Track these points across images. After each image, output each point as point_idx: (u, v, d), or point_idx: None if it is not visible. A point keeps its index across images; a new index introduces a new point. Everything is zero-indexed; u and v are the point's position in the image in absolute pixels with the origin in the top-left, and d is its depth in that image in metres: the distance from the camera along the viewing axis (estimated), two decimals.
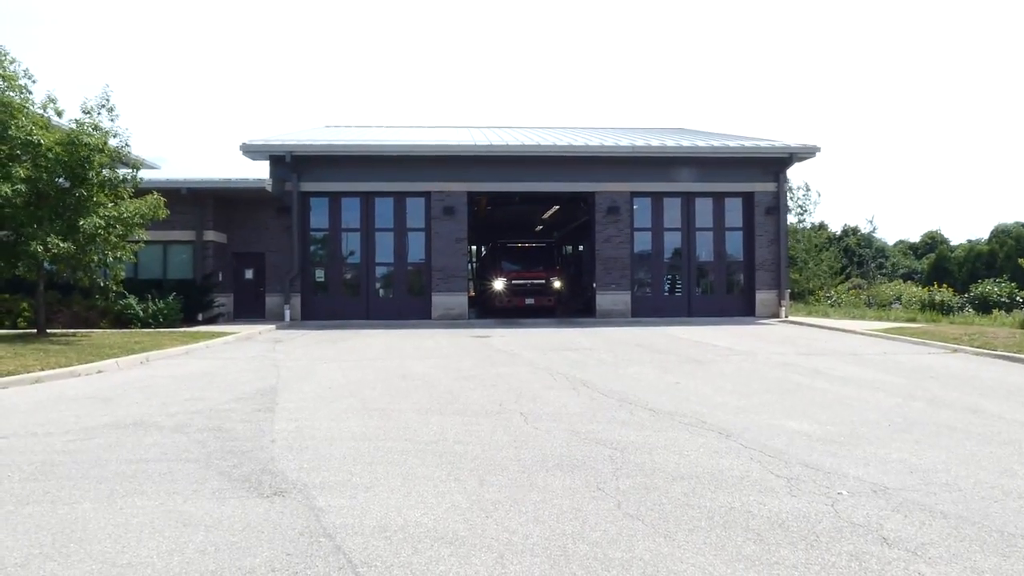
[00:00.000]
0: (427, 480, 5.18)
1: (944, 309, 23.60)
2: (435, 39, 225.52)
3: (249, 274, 23.10)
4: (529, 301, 25.33)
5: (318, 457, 5.83)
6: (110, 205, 15.40)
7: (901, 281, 42.64)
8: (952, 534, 4.08)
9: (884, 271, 53.31)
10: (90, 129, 15.23)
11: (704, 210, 24.52)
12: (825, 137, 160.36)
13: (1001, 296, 24.98)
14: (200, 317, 20.49)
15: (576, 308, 27.82)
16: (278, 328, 19.98)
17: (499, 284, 25.61)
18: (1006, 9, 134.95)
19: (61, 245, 14.43)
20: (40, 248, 14.26)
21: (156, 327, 18.55)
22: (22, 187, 14.19)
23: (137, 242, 16.42)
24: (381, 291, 24.08)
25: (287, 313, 22.15)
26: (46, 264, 15.70)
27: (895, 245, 73.74)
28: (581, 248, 32.64)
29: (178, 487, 5.04)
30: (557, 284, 26.31)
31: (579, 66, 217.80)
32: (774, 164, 24.01)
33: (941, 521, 4.29)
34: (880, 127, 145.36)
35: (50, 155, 14.62)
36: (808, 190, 39.52)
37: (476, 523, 4.28)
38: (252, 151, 22.51)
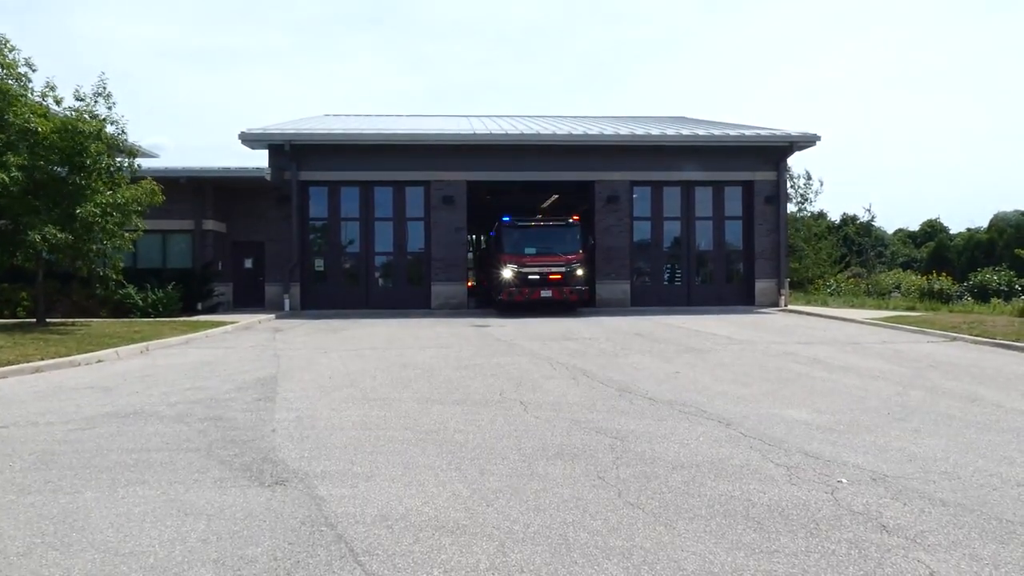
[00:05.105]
0: (428, 469, 5.20)
1: (943, 297, 23.61)
2: (436, 29, 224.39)
3: (248, 263, 23.08)
4: (545, 294, 20.90)
5: (319, 446, 5.85)
6: (108, 193, 15.36)
7: (900, 270, 42.68)
8: (951, 522, 4.10)
9: (883, 260, 53.29)
10: (86, 116, 15.18)
11: (704, 199, 24.45)
12: (824, 126, 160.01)
13: (1000, 284, 25.01)
14: (200, 306, 20.48)
15: None
16: (278, 317, 19.99)
17: (507, 272, 21.05)
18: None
19: (59, 235, 14.40)
20: (38, 238, 14.23)
21: (156, 316, 18.54)
22: (19, 175, 14.15)
23: (135, 231, 16.39)
24: (380, 280, 24.07)
25: (287, 302, 22.14)
26: (45, 253, 15.68)
27: (894, 234, 73.76)
28: None
29: (179, 476, 5.05)
30: (580, 272, 21.38)
31: (580, 56, 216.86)
32: (774, 153, 23.94)
33: (940, 509, 4.31)
34: (879, 116, 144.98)
35: (47, 143, 14.58)
36: (809, 179, 39.41)
37: (477, 512, 4.30)
38: (251, 140, 22.45)
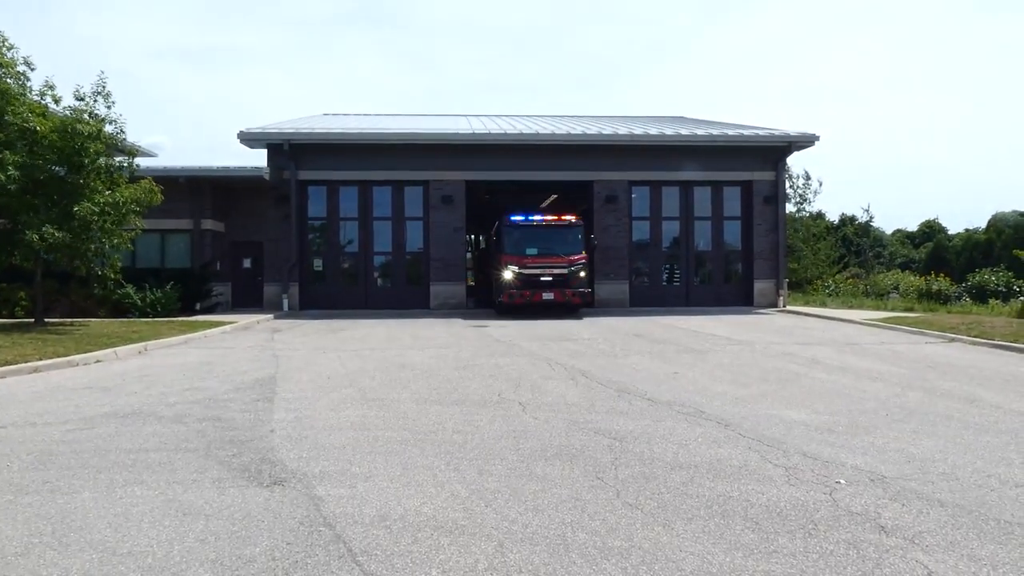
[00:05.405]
0: (426, 470, 5.20)
1: (941, 298, 23.64)
2: (436, 29, 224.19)
3: (247, 263, 23.08)
4: (547, 296, 20.01)
5: (317, 447, 5.84)
6: (106, 192, 15.36)
7: (899, 270, 42.70)
8: (949, 522, 4.10)
9: (882, 260, 53.39)
10: (85, 116, 15.18)
11: (703, 199, 24.48)
12: (823, 126, 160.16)
13: (998, 285, 25.02)
14: (198, 306, 20.48)
15: None
16: (276, 317, 19.98)
17: (508, 274, 20.19)
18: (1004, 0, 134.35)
19: (56, 235, 14.39)
20: (36, 237, 14.22)
21: (154, 316, 18.53)
22: (16, 174, 14.15)
23: (132, 230, 16.38)
24: (379, 280, 24.07)
25: (285, 302, 22.13)
26: (43, 253, 15.67)
27: (893, 234, 73.82)
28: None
29: (178, 476, 5.05)
30: (583, 274, 20.69)
31: (580, 56, 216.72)
32: (773, 153, 23.97)
33: (938, 510, 4.31)
34: (878, 116, 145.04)
35: (45, 142, 14.58)
36: (808, 179, 39.43)
37: (476, 512, 4.30)
38: (250, 139, 22.44)
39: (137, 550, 3.76)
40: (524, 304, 20.06)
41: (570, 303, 20.37)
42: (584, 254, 20.95)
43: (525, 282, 20.11)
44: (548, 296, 20.02)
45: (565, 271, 20.31)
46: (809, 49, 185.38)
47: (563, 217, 21.72)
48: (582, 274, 20.60)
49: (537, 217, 21.72)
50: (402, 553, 3.70)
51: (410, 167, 23.17)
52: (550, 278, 20.17)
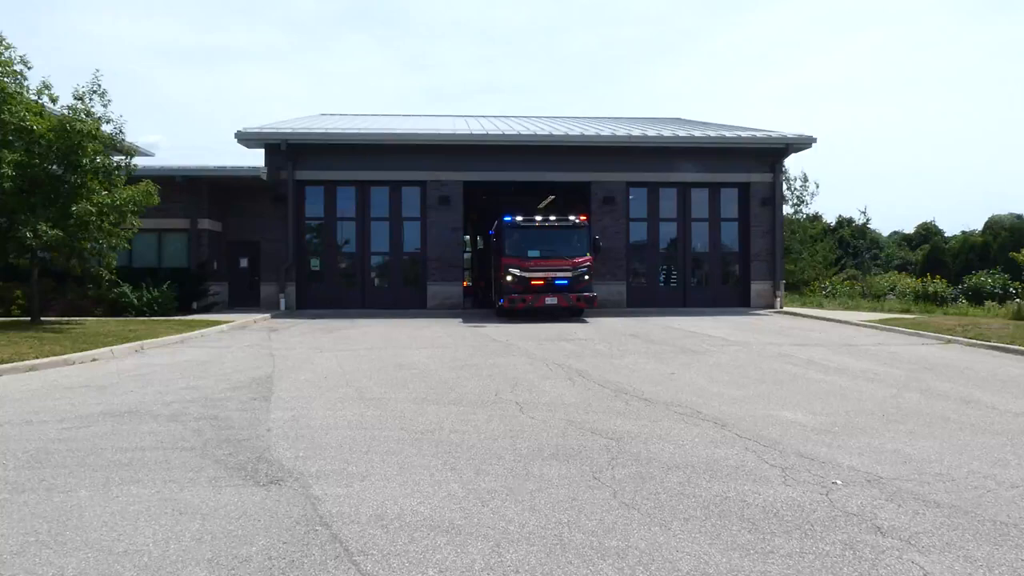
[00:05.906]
0: (423, 469, 5.19)
1: (938, 300, 23.67)
2: (434, 29, 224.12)
3: (244, 263, 23.05)
4: (550, 300, 19.06)
5: (314, 446, 5.84)
6: (104, 192, 15.35)
7: (895, 272, 42.77)
8: (945, 523, 4.11)
9: (879, 262, 53.48)
10: (83, 115, 15.16)
11: (700, 200, 24.53)
12: (821, 128, 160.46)
13: (994, 287, 25.03)
14: (195, 306, 20.44)
15: None
16: (273, 317, 19.95)
17: (508, 277, 19.34)
18: (1000, 2, 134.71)
19: (50, 232, 14.36)
20: (29, 234, 14.19)
21: (151, 315, 18.51)
22: (10, 172, 14.13)
23: (130, 229, 16.35)
24: (376, 280, 24.06)
25: (282, 302, 22.12)
26: (39, 252, 15.64)
27: (890, 236, 73.97)
28: None
29: (174, 475, 5.04)
30: (588, 277, 19.79)
31: (578, 56, 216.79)
32: (770, 155, 24.02)
33: (934, 510, 4.32)
34: (875, 118, 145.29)
35: (43, 141, 14.56)
36: (806, 181, 39.48)
37: (472, 512, 4.29)
38: (247, 139, 22.43)
39: (133, 549, 3.75)
40: (526, 309, 19.15)
41: (574, 308, 19.64)
42: (588, 256, 20.04)
43: (527, 286, 19.22)
44: (551, 300, 19.14)
45: (569, 274, 19.44)
46: (807, 51, 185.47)
47: (566, 218, 20.53)
48: (587, 277, 19.76)
49: (539, 218, 20.61)
50: (399, 553, 3.69)
51: (408, 167, 23.18)
52: (553, 282, 19.36)
